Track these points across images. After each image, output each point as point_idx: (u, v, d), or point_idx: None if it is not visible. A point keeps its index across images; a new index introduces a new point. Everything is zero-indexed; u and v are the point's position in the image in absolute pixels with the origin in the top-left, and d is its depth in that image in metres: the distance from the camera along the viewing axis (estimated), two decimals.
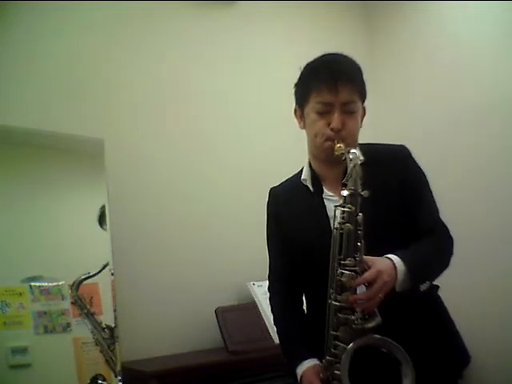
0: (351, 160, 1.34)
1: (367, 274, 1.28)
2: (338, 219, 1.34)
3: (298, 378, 1.46)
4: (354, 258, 1.31)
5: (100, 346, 2.02)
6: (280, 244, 1.59)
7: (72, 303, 2.02)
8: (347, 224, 1.31)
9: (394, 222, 1.43)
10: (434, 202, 1.50)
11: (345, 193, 1.33)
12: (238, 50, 2.85)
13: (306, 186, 1.54)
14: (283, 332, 1.58)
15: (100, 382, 1.99)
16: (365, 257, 1.31)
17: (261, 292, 2.48)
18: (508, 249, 2.57)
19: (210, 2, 2.74)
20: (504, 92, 2.63)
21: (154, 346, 2.33)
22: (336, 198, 1.45)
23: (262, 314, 2.42)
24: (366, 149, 1.49)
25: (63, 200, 2.16)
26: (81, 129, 2.23)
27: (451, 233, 1.49)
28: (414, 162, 1.52)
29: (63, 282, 2.03)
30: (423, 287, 1.38)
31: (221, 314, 2.37)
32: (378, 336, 1.30)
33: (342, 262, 1.32)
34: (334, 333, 1.34)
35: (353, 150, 1.36)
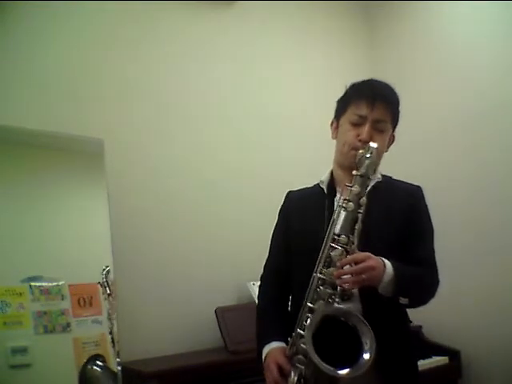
0: (369, 149, 1.42)
1: (356, 254, 1.37)
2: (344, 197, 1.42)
3: (263, 357, 1.50)
4: (348, 237, 1.37)
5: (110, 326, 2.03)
6: (284, 243, 1.64)
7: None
8: (350, 203, 1.38)
9: (389, 249, 1.45)
10: (432, 248, 1.55)
11: (354, 172, 1.40)
12: (238, 49, 2.85)
13: (322, 189, 1.61)
14: (260, 314, 1.64)
15: (99, 362, 1.99)
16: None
17: None
18: (508, 249, 2.57)
19: (209, 2, 2.74)
20: (504, 92, 2.63)
21: (153, 346, 2.33)
22: None
23: None
24: (384, 178, 1.60)
25: (63, 200, 2.17)
26: (81, 129, 2.23)
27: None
28: (425, 205, 1.59)
29: (63, 282, 2.03)
30: (403, 301, 1.43)
31: (221, 313, 2.38)
32: (344, 308, 1.35)
33: (337, 238, 1.39)
34: (311, 305, 1.38)
35: (372, 144, 1.43)
